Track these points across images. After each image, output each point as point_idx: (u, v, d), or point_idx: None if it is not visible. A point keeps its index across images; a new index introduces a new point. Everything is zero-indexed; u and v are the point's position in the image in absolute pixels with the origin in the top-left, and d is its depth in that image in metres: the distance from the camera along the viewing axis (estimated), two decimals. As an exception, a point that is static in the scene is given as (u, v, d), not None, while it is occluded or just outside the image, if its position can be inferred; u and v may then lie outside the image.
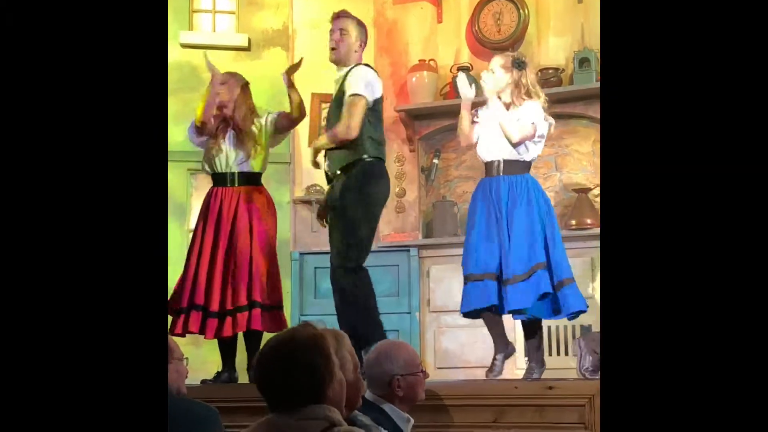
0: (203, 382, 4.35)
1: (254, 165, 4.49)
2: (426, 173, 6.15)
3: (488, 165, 4.28)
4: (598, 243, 4.70)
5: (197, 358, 5.04)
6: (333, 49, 4.26)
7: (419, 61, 6.14)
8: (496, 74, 4.22)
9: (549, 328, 5.49)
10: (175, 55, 6.42)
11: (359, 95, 4.11)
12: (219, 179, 4.50)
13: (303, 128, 6.21)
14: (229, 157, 4.47)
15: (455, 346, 5.62)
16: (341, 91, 4.20)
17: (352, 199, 4.12)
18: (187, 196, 6.47)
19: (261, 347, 2.16)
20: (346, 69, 4.24)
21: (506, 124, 4.16)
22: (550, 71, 5.83)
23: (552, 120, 4.29)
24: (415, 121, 6.11)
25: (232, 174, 4.46)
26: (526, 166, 4.26)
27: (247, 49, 6.50)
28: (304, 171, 6.26)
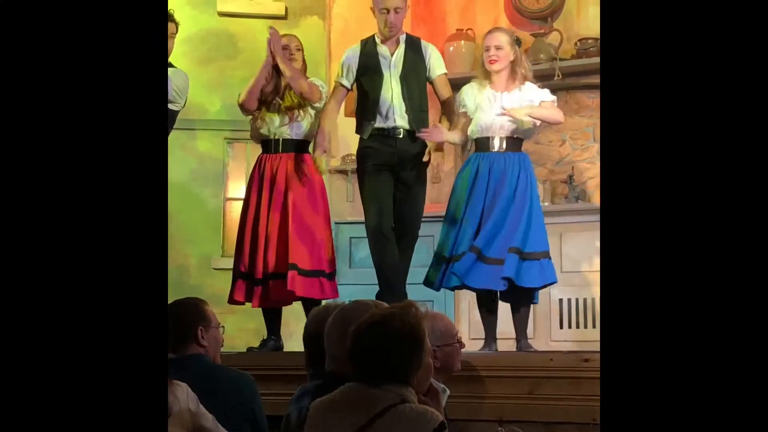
0: (249, 350, 4.35)
1: (297, 131, 4.46)
2: (462, 143, 6.09)
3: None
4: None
5: (233, 325, 5.10)
6: (392, 29, 4.35)
7: (456, 30, 6.08)
8: (504, 50, 4.26)
9: (585, 300, 5.47)
10: (212, 22, 6.42)
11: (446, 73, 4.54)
12: (265, 146, 4.51)
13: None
14: (271, 123, 4.44)
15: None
16: (418, 68, 4.40)
17: (424, 171, 4.42)
18: (223, 164, 6.49)
19: (366, 317, 2.24)
20: (401, 41, 4.40)
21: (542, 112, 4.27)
22: (590, 41, 5.75)
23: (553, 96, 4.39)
24: (453, 90, 6.04)
25: (276, 140, 4.45)
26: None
27: (284, 17, 6.47)
28: (339, 140, 6.25)
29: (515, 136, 4.28)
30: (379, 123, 4.34)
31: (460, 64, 5.97)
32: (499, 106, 4.25)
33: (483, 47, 4.33)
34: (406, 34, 4.47)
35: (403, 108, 4.34)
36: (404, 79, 4.35)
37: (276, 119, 4.43)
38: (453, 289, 4.45)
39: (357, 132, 4.49)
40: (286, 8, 6.54)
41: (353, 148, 5.89)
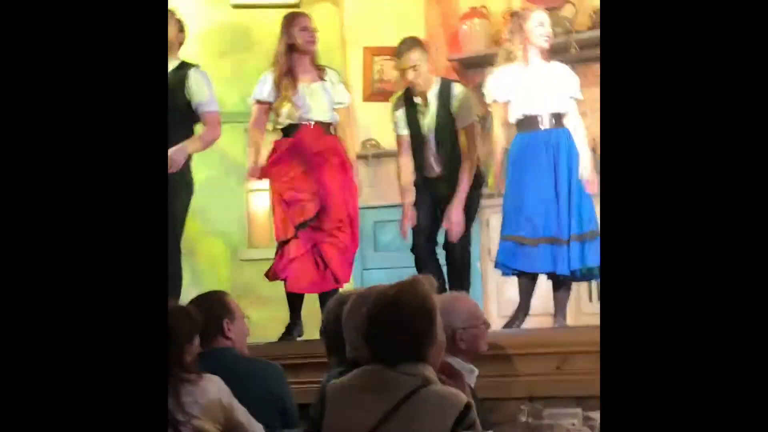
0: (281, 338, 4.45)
1: None
2: (481, 122, 6.09)
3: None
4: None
5: (262, 315, 5.13)
6: (415, 86, 4.48)
7: (470, 8, 6.10)
8: (545, 28, 4.27)
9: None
10: (226, 16, 6.44)
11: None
12: None
13: (357, 82, 6.22)
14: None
15: (518, 295, 5.58)
16: (449, 118, 4.49)
17: None
18: (244, 155, 6.50)
19: (375, 298, 2.25)
20: (431, 94, 4.50)
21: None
22: (605, 12, 5.71)
23: None
24: (468, 69, 6.05)
25: None
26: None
27: (297, 5, 6.47)
28: (360, 126, 6.26)
29: (560, 111, 4.30)
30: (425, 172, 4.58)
31: (475, 42, 5.99)
32: (542, 81, 4.27)
33: (530, 23, 4.28)
34: (441, 80, 4.57)
35: (440, 158, 4.52)
36: (438, 132, 4.50)
37: None
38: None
39: None
40: (299, -5, 6.55)
41: (373, 133, 5.93)
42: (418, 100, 4.52)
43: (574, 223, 4.16)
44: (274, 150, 4.50)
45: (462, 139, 4.51)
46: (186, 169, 4.43)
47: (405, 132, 4.60)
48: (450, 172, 4.52)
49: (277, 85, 4.41)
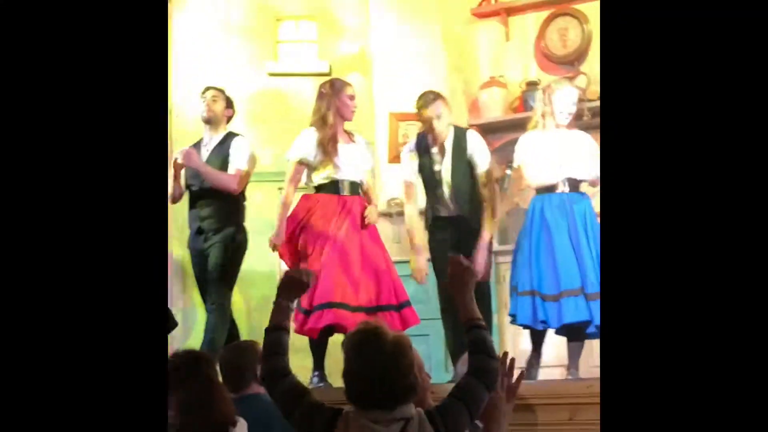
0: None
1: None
2: (500, 183, 6.36)
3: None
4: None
5: (291, 363, 5.33)
6: (437, 138, 4.69)
7: (489, 78, 6.40)
8: (572, 106, 4.53)
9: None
10: (262, 83, 6.78)
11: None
12: None
13: (382, 144, 6.53)
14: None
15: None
16: (465, 161, 4.68)
17: None
18: (275, 212, 6.77)
19: (355, 346, 2.29)
20: (447, 144, 4.69)
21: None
22: (616, 82, 5.97)
23: None
24: (487, 134, 6.31)
25: None
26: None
27: (328, 74, 6.81)
28: (384, 184, 6.53)
29: (579, 178, 4.51)
30: (441, 212, 4.77)
31: (494, 109, 6.30)
32: (562, 147, 4.50)
33: (558, 95, 4.53)
34: (454, 128, 4.75)
35: (455, 199, 4.71)
36: (454, 175, 4.69)
37: None
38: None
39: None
40: (330, 66, 6.89)
41: (398, 192, 6.18)
42: (435, 150, 4.71)
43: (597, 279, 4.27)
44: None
45: (483, 182, 4.71)
46: (239, 230, 4.85)
47: (413, 179, 4.78)
48: (466, 214, 4.69)
49: (322, 146, 4.60)
